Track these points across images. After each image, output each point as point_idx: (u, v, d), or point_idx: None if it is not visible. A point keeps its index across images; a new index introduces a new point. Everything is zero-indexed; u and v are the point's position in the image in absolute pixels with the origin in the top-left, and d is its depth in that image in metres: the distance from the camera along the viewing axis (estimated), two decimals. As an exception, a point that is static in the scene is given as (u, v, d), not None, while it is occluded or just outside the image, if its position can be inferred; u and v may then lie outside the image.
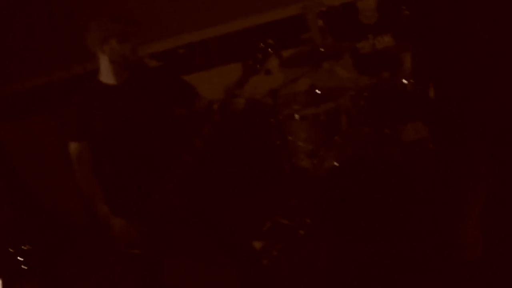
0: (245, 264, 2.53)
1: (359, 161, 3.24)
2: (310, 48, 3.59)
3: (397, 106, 3.48)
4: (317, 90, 3.64)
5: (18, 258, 3.32)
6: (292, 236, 3.40)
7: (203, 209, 2.47)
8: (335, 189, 3.23)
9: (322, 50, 3.50)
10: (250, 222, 3.68)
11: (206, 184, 2.55)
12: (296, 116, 3.61)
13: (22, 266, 3.29)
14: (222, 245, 2.49)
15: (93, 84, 2.44)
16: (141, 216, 2.33)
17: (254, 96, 3.78)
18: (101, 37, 2.31)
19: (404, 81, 3.43)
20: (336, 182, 3.24)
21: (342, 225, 3.19)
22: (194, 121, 2.50)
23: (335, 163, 3.22)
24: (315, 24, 4.29)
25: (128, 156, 2.37)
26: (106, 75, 2.40)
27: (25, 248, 3.39)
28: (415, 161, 3.28)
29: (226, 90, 2.38)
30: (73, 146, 2.40)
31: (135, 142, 2.36)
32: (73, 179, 2.44)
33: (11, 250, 3.35)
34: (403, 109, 3.46)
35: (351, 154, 3.35)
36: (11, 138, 4.63)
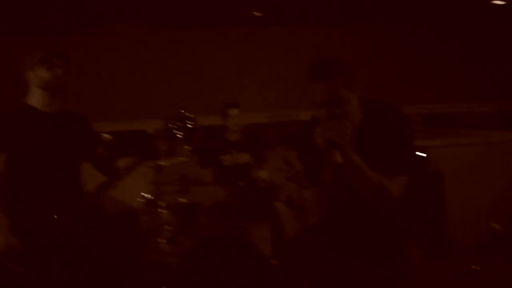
0: None
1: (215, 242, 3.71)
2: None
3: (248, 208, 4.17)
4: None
5: None
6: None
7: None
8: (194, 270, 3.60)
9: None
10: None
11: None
12: (162, 204, 4.04)
13: None
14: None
15: (19, 105, 2.71)
16: (35, 234, 2.50)
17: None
18: (31, 63, 2.65)
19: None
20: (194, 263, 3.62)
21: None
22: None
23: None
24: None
25: (35, 177, 2.62)
26: (32, 98, 2.69)
27: None
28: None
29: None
30: None
31: (45, 165, 2.63)
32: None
33: None
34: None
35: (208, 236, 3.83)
36: None
